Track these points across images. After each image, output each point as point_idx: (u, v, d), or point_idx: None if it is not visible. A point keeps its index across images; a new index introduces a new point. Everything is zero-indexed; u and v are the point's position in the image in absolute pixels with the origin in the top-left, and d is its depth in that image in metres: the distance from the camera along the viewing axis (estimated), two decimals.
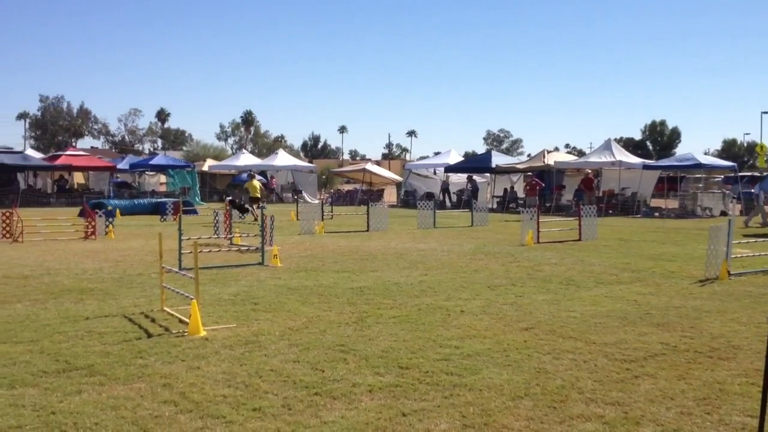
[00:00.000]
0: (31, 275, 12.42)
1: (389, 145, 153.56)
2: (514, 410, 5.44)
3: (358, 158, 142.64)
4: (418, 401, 5.64)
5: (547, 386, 6.02)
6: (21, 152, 48.39)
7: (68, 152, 48.83)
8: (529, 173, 39.28)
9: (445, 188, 42.08)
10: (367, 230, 22.46)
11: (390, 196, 50.21)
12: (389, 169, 64.37)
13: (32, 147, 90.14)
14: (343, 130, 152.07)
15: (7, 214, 19.19)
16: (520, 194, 39.01)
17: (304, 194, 45.84)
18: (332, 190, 56.97)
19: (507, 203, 37.40)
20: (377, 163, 79.21)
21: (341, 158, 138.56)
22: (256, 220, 23.64)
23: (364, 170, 49.67)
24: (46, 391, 5.86)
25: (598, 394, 5.81)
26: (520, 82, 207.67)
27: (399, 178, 49.51)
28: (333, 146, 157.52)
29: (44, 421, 5.17)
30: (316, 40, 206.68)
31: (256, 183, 29.30)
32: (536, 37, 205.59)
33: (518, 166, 40.70)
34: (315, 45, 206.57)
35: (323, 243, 18.48)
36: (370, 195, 44.13)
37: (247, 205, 26.89)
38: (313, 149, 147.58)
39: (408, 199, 42.86)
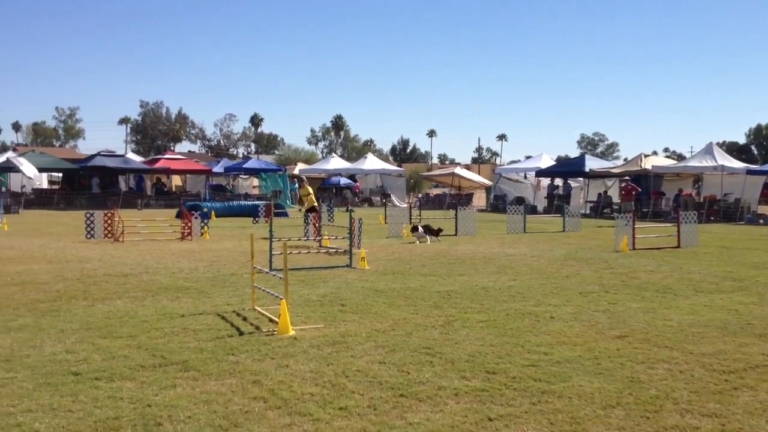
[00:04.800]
0: (131, 273, 12.91)
1: (479, 149, 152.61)
2: (605, 419, 5.28)
3: (447, 162, 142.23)
4: (504, 406, 5.55)
5: (640, 396, 5.82)
6: (122, 156, 50.41)
7: (166, 156, 50.78)
8: (625, 178, 38.21)
9: (550, 193, 41.26)
10: (456, 234, 22.35)
11: (479, 200, 49.85)
12: (479, 174, 63.94)
13: (133, 151, 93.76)
14: (432, 134, 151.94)
15: (109, 215, 20.01)
16: (615, 199, 37.98)
17: (393, 198, 46.05)
18: (420, 194, 57.00)
19: (601, 208, 36.48)
20: (466, 167, 78.75)
21: (430, 162, 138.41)
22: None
23: (453, 174, 49.51)
24: (143, 384, 6.06)
25: (694, 405, 5.59)
26: (617, 84, 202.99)
27: (489, 183, 49.12)
28: (422, 150, 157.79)
29: (140, 413, 5.35)
30: (407, 46, 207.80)
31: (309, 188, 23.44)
32: (635, 38, 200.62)
33: (613, 170, 39.60)
34: (406, 51, 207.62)
35: (411, 246, 18.50)
36: (459, 199, 43.92)
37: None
38: (402, 153, 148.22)
39: (498, 204, 42.43)
